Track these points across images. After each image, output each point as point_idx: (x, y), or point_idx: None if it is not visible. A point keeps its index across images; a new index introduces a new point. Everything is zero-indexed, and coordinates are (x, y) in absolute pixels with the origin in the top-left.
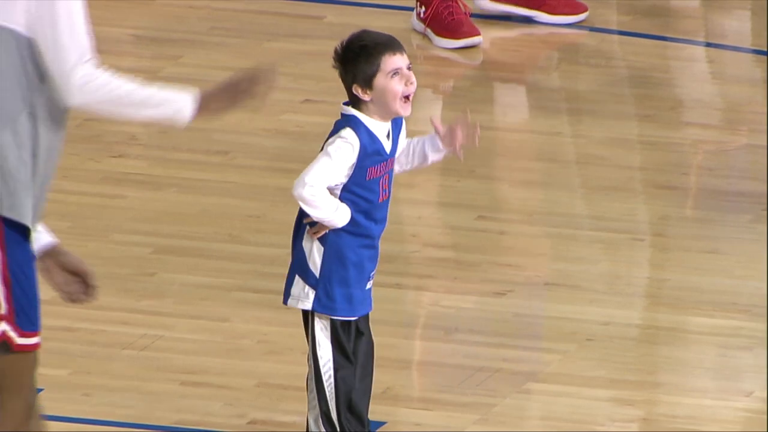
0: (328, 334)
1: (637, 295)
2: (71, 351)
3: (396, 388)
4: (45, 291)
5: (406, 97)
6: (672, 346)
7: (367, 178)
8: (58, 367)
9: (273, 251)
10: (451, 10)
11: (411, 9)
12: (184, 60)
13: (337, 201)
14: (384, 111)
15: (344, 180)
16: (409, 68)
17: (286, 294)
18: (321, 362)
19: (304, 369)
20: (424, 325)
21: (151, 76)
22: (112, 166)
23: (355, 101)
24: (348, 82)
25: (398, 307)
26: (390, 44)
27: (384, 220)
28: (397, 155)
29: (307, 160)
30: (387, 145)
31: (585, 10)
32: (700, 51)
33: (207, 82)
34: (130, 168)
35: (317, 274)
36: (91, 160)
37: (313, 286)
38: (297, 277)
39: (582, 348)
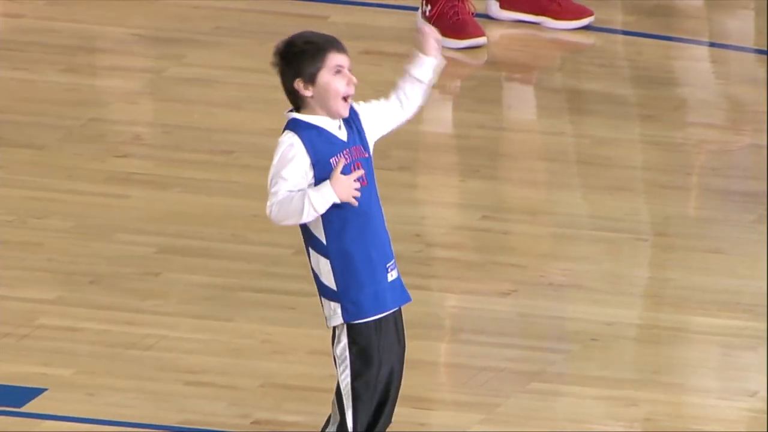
0: (345, 340)
1: (640, 295)
2: (75, 351)
3: (401, 388)
4: (49, 291)
5: (345, 98)
6: (676, 346)
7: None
8: (62, 367)
9: (277, 251)
10: (456, 10)
11: (416, 9)
12: (188, 60)
13: (299, 193)
14: (324, 108)
15: (311, 180)
16: (350, 70)
17: (325, 318)
18: (339, 370)
19: (308, 369)
20: (428, 325)
21: (155, 75)
22: (116, 166)
23: (295, 101)
24: (289, 77)
25: (402, 307)
26: (335, 42)
27: (372, 206)
28: (372, 132)
29: None
30: (340, 134)
31: (590, 14)
32: (704, 51)
33: (211, 81)
34: (135, 168)
35: (335, 287)
36: (95, 160)
37: (336, 299)
38: (323, 299)
39: (586, 348)
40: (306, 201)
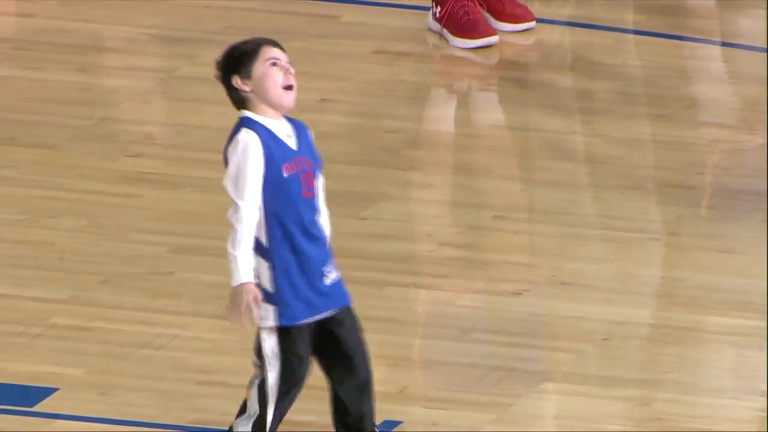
0: (277, 341)
1: (652, 295)
2: (87, 350)
3: (412, 388)
4: (59, 290)
5: (288, 88)
6: (687, 346)
7: (285, 174)
8: (74, 367)
9: None
10: (466, 9)
11: (427, 8)
12: (200, 59)
13: (241, 244)
14: (267, 101)
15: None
16: (289, 64)
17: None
18: (266, 369)
19: (321, 369)
20: (439, 325)
21: (167, 75)
22: (128, 166)
23: (239, 102)
24: (228, 78)
25: (414, 307)
26: (270, 41)
27: (314, 216)
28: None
29: (323, 158)
30: (290, 143)
31: (531, 19)
32: (716, 50)
33: None
34: (147, 167)
35: (272, 290)
36: (107, 160)
37: (272, 302)
38: None
39: (597, 347)
40: (231, 260)
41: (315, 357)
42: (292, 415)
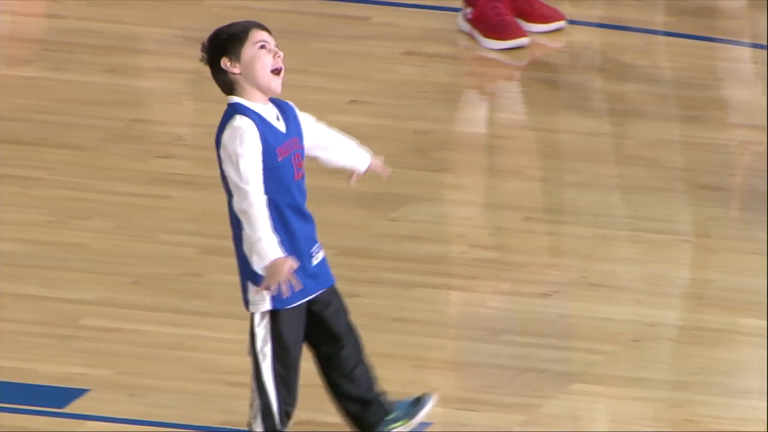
0: (268, 327)
1: (683, 296)
2: (117, 351)
3: (442, 389)
4: (89, 291)
5: (276, 72)
6: (718, 347)
7: (279, 159)
8: (104, 368)
9: None
10: (498, 11)
11: (457, 10)
12: None
13: (265, 225)
14: (255, 85)
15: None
16: (276, 47)
17: (245, 302)
18: (260, 356)
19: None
20: (470, 326)
21: (196, 76)
22: (158, 167)
23: (226, 86)
24: (216, 60)
25: (444, 308)
26: (257, 23)
27: (304, 198)
28: (307, 139)
29: None
30: (280, 126)
31: (560, 18)
32: (746, 52)
33: None
34: (176, 168)
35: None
36: (137, 161)
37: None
38: (249, 284)
39: (628, 349)
40: (256, 242)
41: (305, 341)
42: (320, 415)
